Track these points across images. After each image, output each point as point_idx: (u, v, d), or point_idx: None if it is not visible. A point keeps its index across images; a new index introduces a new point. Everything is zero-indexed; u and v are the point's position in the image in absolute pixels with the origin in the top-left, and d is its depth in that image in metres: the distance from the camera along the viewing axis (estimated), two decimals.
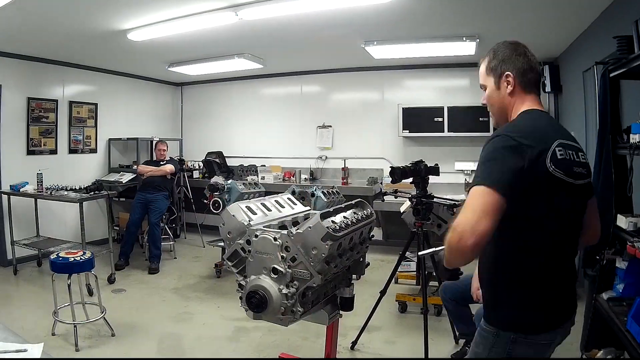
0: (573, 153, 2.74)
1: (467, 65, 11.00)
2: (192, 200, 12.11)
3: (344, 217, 3.59)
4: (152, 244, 10.06)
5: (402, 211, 6.56)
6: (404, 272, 7.68)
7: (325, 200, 6.17)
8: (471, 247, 2.41)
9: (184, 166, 12.46)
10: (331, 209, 3.55)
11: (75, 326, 6.34)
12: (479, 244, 2.42)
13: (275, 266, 3.24)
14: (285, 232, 3.29)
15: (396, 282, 7.83)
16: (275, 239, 3.26)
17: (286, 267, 3.24)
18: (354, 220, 3.54)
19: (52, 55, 10.53)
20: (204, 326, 7.11)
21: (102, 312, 6.70)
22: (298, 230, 3.20)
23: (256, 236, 3.33)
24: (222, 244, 9.15)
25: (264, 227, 3.46)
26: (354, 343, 6.34)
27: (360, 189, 11.14)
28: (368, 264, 4.08)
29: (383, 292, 6.36)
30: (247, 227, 3.43)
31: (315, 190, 6.43)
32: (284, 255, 3.24)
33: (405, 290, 7.77)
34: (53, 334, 6.55)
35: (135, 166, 11.67)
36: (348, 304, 3.87)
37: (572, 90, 9.12)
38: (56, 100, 10.97)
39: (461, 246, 2.44)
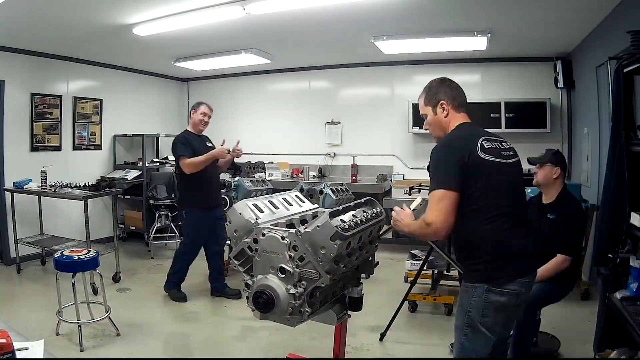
0: (497, 143, 3.75)
1: (478, 60, 11.02)
2: None
3: (353, 215, 3.61)
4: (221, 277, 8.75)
5: (412, 209, 6.55)
6: (413, 271, 7.64)
7: (334, 197, 6.19)
8: (445, 235, 3.53)
9: None
10: (340, 207, 3.58)
11: (79, 326, 6.34)
12: (448, 233, 3.52)
13: (283, 265, 3.25)
14: (293, 230, 3.30)
15: (406, 281, 7.83)
16: (283, 237, 3.27)
17: (294, 266, 3.25)
18: (363, 219, 3.60)
19: (57, 50, 10.54)
20: (211, 326, 7.12)
21: (107, 312, 6.68)
22: (306, 229, 3.21)
23: (263, 235, 3.33)
24: (228, 242, 9.15)
25: (271, 225, 3.47)
26: (383, 334, 6.49)
27: (370, 186, 11.10)
28: (377, 263, 4.10)
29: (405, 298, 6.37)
30: (254, 226, 3.43)
31: (323, 187, 6.43)
32: (292, 254, 3.26)
33: (415, 289, 7.75)
34: (57, 334, 6.56)
35: (140, 162, 11.75)
36: (357, 304, 3.88)
37: (585, 86, 9.11)
38: (60, 96, 10.98)
39: (437, 236, 3.50)
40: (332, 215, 3.30)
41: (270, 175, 12.24)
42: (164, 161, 12.74)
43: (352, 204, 3.84)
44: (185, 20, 7.93)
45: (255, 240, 3.38)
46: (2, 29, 8.54)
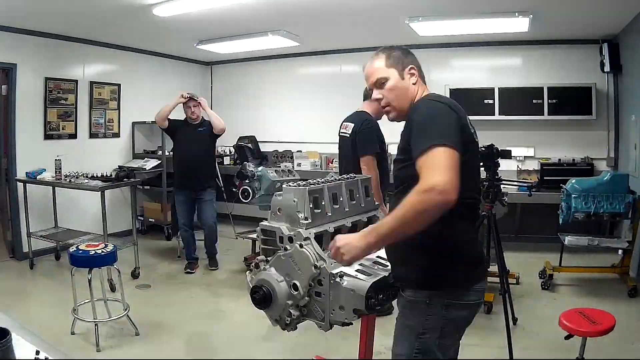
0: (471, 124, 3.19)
1: (519, 42, 10.92)
2: (222, 188, 11.97)
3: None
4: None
5: None
6: None
7: None
8: (453, 201, 2.62)
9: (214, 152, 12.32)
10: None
11: (96, 324, 6.34)
12: (445, 203, 2.62)
13: (298, 284, 3.26)
14: (325, 265, 3.22)
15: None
16: (315, 266, 3.21)
17: (306, 292, 3.26)
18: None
19: (72, 32, 10.53)
20: (236, 325, 7.12)
21: (126, 310, 6.68)
22: (339, 280, 3.15)
23: (301, 245, 3.30)
24: (252, 235, 9.15)
25: (317, 231, 3.46)
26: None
27: None
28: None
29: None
30: (299, 226, 3.40)
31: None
32: (312, 284, 3.25)
33: None
34: (72, 333, 6.57)
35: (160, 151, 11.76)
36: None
37: (633, 70, 9.05)
38: (76, 81, 10.98)
39: (444, 203, 2.61)
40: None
41: (299, 164, 12.30)
42: None
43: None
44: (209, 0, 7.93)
45: (291, 240, 3.36)
46: (13, 9, 8.55)
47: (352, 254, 2.92)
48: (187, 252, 9.77)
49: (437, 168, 2.65)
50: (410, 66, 3.31)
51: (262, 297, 3.32)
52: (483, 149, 6.34)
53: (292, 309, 3.30)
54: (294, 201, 3.46)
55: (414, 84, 3.29)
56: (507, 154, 6.96)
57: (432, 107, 2.99)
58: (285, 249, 3.36)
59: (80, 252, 6.28)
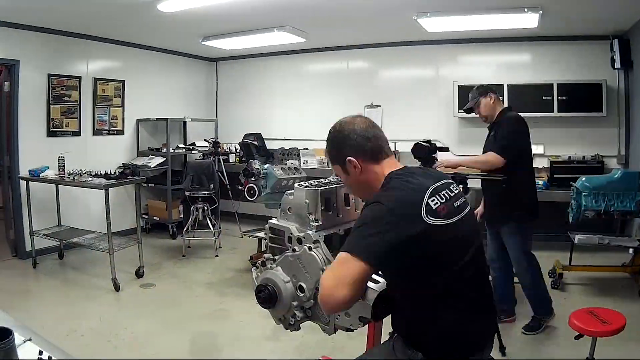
0: (446, 192, 2.95)
1: (529, 39, 10.91)
2: (228, 186, 11.89)
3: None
4: None
5: None
6: None
7: None
8: (329, 311, 2.92)
9: (219, 149, 12.38)
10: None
11: None
12: (337, 310, 2.83)
13: (303, 285, 3.27)
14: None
15: None
16: (323, 270, 3.17)
17: (312, 295, 3.26)
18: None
19: (75, 28, 10.52)
20: (241, 324, 7.12)
21: None
22: None
23: (310, 248, 3.29)
24: (259, 234, 9.16)
25: (326, 235, 3.46)
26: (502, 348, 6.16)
27: None
28: None
29: None
30: (309, 228, 3.41)
31: None
32: (319, 287, 3.19)
33: None
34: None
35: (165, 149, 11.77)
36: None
37: None
38: (79, 77, 10.99)
39: (322, 306, 2.74)
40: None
41: (305, 162, 12.31)
42: (191, 147, 12.80)
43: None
44: None
45: (300, 241, 3.35)
46: (16, 5, 8.56)
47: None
48: None
49: (331, 275, 2.70)
50: (348, 159, 3.10)
51: (267, 296, 3.32)
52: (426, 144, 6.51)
53: (296, 310, 3.31)
54: (306, 202, 3.45)
55: (360, 173, 3.11)
56: (445, 149, 7.25)
57: (374, 212, 2.80)
58: (294, 250, 3.36)
59: None
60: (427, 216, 2.73)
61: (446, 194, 2.93)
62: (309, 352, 6.24)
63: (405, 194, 2.84)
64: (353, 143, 3.10)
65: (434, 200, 2.81)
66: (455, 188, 3.06)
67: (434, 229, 2.73)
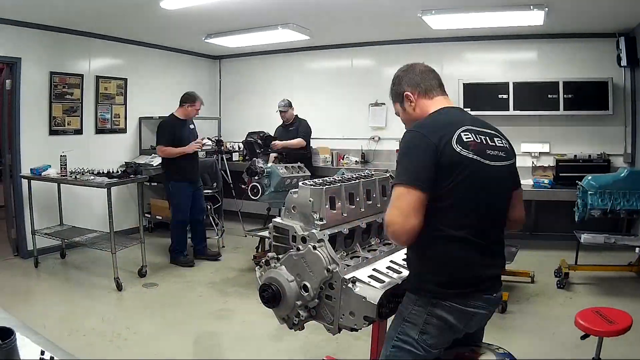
0: (485, 138, 3.29)
1: (534, 36, 10.91)
2: (231, 185, 11.86)
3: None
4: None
5: None
6: None
7: None
8: (405, 242, 3.12)
9: (222, 147, 12.26)
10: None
11: None
12: (411, 238, 3.05)
13: (308, 285, 3.28)
14: (338, 269, 3.25)
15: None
16: (327, 270, 3.23)
17: (316, 295, 3.27)
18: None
19: (77, 26, 10.52)
20: (244, 324, 7.11)
21: None
22: (349, 286, 3.20)
23: (314, 247, 3.30)
24: (261, 233, 9.16)
25: (332, 233, 3.49)
26: None
27: None
28: None
29: None
30: (313, 227, 3.42)
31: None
32: (323, 286, 3.27)
33: None
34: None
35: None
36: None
37: None
38: (81, 75, 10.99)
39: (397, 241, 3.18)
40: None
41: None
42: None
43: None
44: None
45: (304, 240, 3.36)
46: (17, 2, 8.56)
47: None
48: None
49: (395, 209, 3.03)
50: (405, 94, 3.55)
51: (271, 296, 3.32)
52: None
53: (300, 310, 3.31)
54: (310, 200, 3.47)
55: (414, 110, 3.54)
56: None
57: (406, 141, 3.20)
58: (298, 249, 3.35)
59: None
60: (456, 145, 3.08)
61: (484, 138, 3.27)
62: (313, 352, 6.21)
63: (438, 123, 3.26)
64: (410, 80, 3.56)
65: (467, 135, 3.17)
66: (499, 142, 3.37)
67: (460, 158, 3.07)
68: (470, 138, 3.17)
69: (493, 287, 3.37)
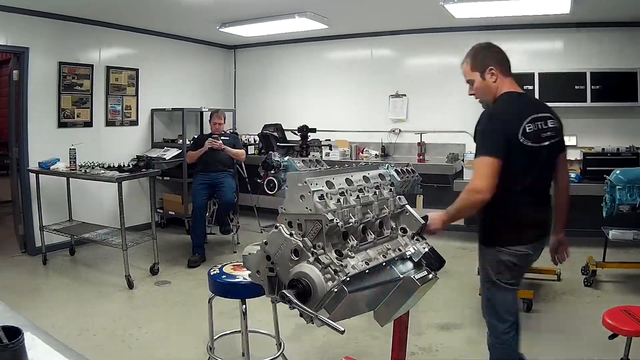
0: (541, 123, 4.23)
1: (560, 25, 10.85)
2: (246, 179, 11.87)
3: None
4: (224, 224, 10.49)
5: None
6: None
7: (399, 179, 6.16)
8: (489, 199, 3.93)
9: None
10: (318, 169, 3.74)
11: None
12: (490, 198, 3.94)
13: (295, 248, 3.22)
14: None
15: (479, 274, 7.81)
16: (276, 226, 3.30)
17: (299, 239, 3.20)
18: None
19: (87, 14, 10.53)
20: (260, 324, 6.96)
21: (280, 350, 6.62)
22: (281, 207, 3.39)
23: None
24: None
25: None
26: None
27: (439, 167, 11.06)
28: (425, 217, 3.96)
29: None
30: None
31: (387, 168, 6.44)
32: (292, 232, 3.24)
33: None
34: None
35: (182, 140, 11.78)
36: (434, 259, 3.56)
37: None
38: (91, 66, 10.98)
39: (483, 201, 3.96)
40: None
41: (327, 154, 12.24)
42: None
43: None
44: None
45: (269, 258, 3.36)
46: None
47: (435, 226, 4.03)
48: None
49: (482, 174, 3.97)
50: (490, 67, 4.32)
51: (301, 291, 3.28)
52: None
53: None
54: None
55: (494, 82, 4.34)
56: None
57: (486, 124, 4.13)
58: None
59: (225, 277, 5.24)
60: (522, 137, 4.07)
61: (540, 124, 4.22)
62: (331, 352, 6.22)
63: (508, 113, 4.21)
64: (497, 57, 4.41)
65: (530, 126, 4.13)
66: (551, 123, 4.32)
67: (524, 147, 4.07)
68: (531, 129, 4.13)
69: (545, 229, 4.50)
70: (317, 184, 3.24)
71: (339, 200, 3.26)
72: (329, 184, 3.34)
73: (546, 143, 4.25)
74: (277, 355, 5.83)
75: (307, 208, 3.19)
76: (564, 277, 8.46)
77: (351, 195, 3.40)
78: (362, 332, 6.41)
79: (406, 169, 6.31)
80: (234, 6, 9.84)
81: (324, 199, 3.18)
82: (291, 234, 3.19)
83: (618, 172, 7.87)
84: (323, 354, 6.23)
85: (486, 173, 3.96)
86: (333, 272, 2.99)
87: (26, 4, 9.45)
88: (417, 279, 3.32)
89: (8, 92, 10.18)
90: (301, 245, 3.11)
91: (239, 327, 6.75)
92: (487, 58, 4.40)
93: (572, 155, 10.58)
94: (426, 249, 3.59)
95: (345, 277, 2.97)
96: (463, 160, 11.13)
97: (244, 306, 5.24)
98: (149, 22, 11.48)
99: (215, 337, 5.89)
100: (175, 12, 10.17)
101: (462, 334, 6.61)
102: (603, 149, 10.32)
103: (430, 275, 3.46)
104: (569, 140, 10.62)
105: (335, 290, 2.95)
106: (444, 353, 6.19)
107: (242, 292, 5.16)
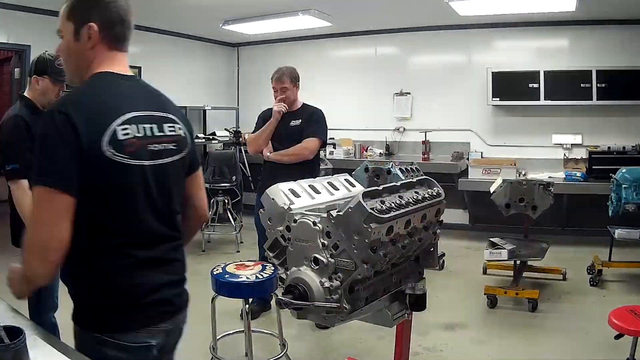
0: (153, 127, 2.67)
1: (566, 23, 10.83)
2: (250, 178, 11.96)
3: (399, 197, 3.49)
4: None
5: (492, 191, 6.54)
6: (493, 262, 7.63)
7: (403, 178, 6.17)
8: (61, 259, 2.35)
9: (241, 139, 12.31)
10: (380, 187, 3.37)
11: None
12: (65, 253, 2.34)
13: (317, 255, 3.11)
14: (325, 215, 3.10)
15: (484, 273, 7.82)
16: (314, 223, 3.08)
17: (328, 256, 3.08)
18: (412, 200, 3.29)
19: None
20: (265, 324, 7.07)
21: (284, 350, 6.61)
22: (339, 212, 3.00)
23: (295, 221, 3.18)
24: None
25: (307, 211, 3.37)
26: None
27: (444, 166, 11.08)
28: (442, 254, 3.92)
29: None
30: (287, 212, 3.31)
31: (391, 167, 6.43)
32: (325, 242, 3.07)
33: (495, 282, 7.72)
34: None
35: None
36: (418, 303, 3.43)
37: None
38: None
39: (53, 263, 2.35)
40: (370, 195, 3.04)
41: (331, 153, 12.28)
42: (211, 137, 12.85)
43: (398, 183, 3.43)
44: None
45: (288, 228, 3.25)
46: None
47: (16, 291, 2.62)
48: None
49: (39, 221, 2.37)
50: (89, 24, 2.58)
51: (298, 297, 3.28)
52: None
53: (334, 297, 3.23)
54: (272, 199, 3.37)
55: (90, 48, 2.62)
56: None
57: (47, 124, 2.39)
58: (289, 239, 3.19)
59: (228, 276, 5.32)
60: (108, 147, 2.38)
61: (151, 129, 2.65)
62: (335, 352, 6.23)
63: (97, 101, 2.52)
64: (106, 12, 2.63)
65: (127, 127, 2.49)
66: (171, 129, 2.84)
67: (116, 166, 2.42)
68: (131, 132, 2.50)
69: (175, 302, 3.15)
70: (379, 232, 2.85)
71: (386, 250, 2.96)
72: (389, 230, 2.94)
73: (163, 160, 2.69)
74: (280, 355, 5.84)
75: (354, 250, 2.86)
76: (569, 276, 8.45)
77: (398, 243, 3.08)
78: (367, 332, 6.40)
79: (411, 168, 6.32)
80: (238, 4, 9.88)
81: (376, 251, 2.87)
82: (323, 245, 2.96)
83: (624, 170, 7.87)
84: (327, 354, 6.25)
85: (51, 215, 2.32)
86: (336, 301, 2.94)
87: (27, 2, 9.50)
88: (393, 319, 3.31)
89: (9, 90, 10.18)
90: (325, 262, 2.96)
91: (242, 327, 6.79)
92: (92, 8, 2.61)
93: (578, 154, 10.62)
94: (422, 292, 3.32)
95: (345, 311, 2.95)
96: (468, 159, 11.21)
97: (247, 306, 5.26)
98: (151, 19, 11.44)
99: (218, 337, 5.95)
100: (178, 10, 10.21)
101: (467, 334, 6.61)
102: (609, 148, 10.28)
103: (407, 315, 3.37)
104: (574, 139, 10.63)
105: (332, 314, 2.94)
106: (449, 353, 6.18)
107: (245, 291, 5.24)
